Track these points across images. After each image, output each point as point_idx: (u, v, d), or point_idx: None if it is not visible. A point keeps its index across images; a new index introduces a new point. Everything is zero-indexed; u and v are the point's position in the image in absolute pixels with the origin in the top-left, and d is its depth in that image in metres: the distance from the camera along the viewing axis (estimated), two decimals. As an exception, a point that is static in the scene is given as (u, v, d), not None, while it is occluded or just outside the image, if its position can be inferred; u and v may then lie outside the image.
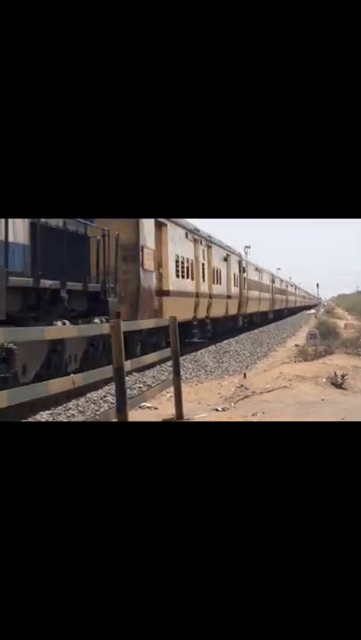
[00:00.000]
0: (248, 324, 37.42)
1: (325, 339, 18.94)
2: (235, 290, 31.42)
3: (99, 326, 7.00)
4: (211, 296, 25.33)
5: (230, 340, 27.02)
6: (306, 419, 8.04)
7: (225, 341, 25.83)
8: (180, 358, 9.66)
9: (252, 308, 37.59)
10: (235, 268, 31.78)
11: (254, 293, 38.85)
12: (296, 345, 21.37)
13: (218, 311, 27.15)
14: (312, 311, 55.31)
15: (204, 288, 24.29)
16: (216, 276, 27.15)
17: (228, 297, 29.56)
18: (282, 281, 63.48)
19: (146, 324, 10.71)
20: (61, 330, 7.31)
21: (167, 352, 8.94)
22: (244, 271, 34.98)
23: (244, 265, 35.80)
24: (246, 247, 50.62)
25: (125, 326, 6.69)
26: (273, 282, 51.87)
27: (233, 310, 30.89)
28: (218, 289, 27.00)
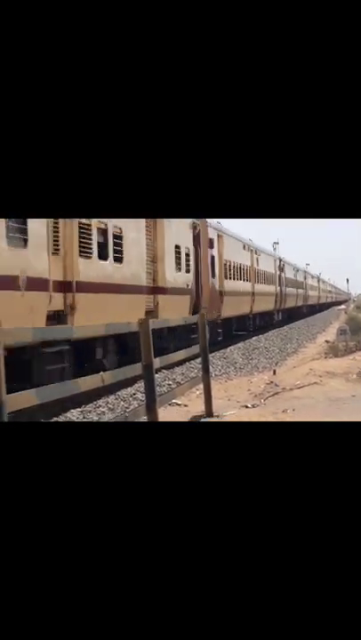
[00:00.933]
0: (287, 317, 42.66)
1: (356, 334, 18.76)
2: (278, 289, 39.28)
3: (127, 324, 7.00)
4: (261, 294, 32.47)
5: (259, 336, 26.94)
6: (337, 415, 7.99)
7: (254, 338, 25.75)
8: (209, 355, 9.64)
9: (290, 303, 43.73)
10: (278, 271, 39.71)
11: (292, 290, 44.95)
12: (326, 341, 21.22)
13: (265, 307, 34.21)
14: (342, 307, 54.95)
15: (258, 288, 30.99)
16: (265, 279, 33.98)
17: (273, 294, 37.55)
18: (313, 277, 64.42)
19: (175, 321, 10.70)
20: (89, 328, 7.33)
21: (196, 349, 8.93)
22: (282, 270, 42.23)
23: (284, 268, 42.76)
24: (275, 243, 50.40)
25: (154, 324, 6.70)
26: (305, 279, 56.35)
27: (275, 306, 38.31)
28: (266, 288, 34.46)
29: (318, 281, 69.92)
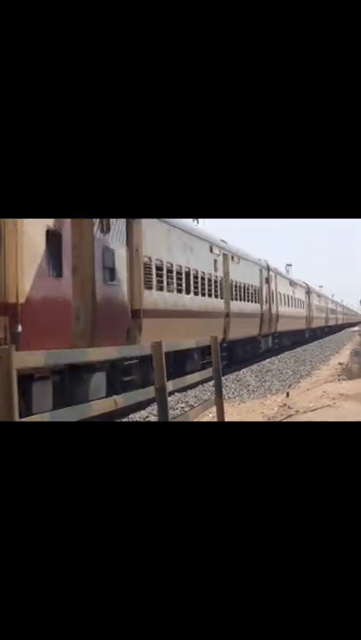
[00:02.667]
0: (313, 336, 47.08)
1: (370, 356, 18.67)
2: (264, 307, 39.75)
3: (139, 347, 7.02)
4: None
5: (273, 358, 26.84)
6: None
7: (267, 360, 25.67)
8: (223, 378, 9.62)
9: (317, 323, 49.63)
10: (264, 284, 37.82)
11: (320, 314, 51.70)
12: (340, 363, 21.11)
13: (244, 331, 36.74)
14: (356, 328, 54.89)
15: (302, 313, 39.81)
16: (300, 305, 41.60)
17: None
18: (333, 302, 65.88)
19: (186, 344, 10.70)
20: (102, 351, 7.35)
21: (209, 372, 8.91)
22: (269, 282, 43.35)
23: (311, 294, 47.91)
24: (288, 265, 50.45)
25: (167, 347, 6.70)
26: (326, 303, 61.20)
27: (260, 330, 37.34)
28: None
29: (327, 300, 63.81)
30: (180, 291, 16.89)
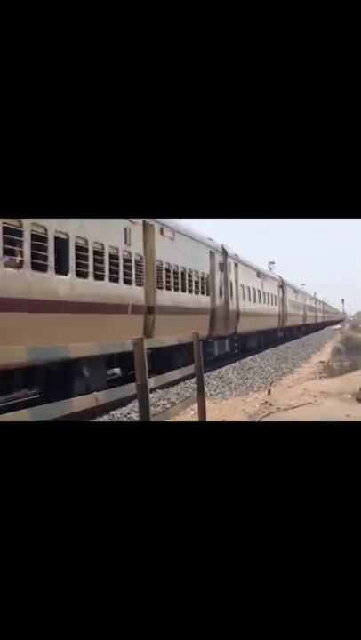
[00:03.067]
0: (289, 336, 44.01)
1: (351, 354, 18.78)
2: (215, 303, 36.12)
3: (121, 345, 7.00)
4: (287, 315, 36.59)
5: (255, 355, 26.90)
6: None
7: (249, 357, 25.72)
8: (204, 375, 9.62)
9: (292, 322, 46.04)
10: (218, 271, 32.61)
11: (296, 311, 47.92)
12: (321, 361, 21.22)
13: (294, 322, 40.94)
14: (338, 326, 55.16)
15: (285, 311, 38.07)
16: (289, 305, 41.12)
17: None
18: (312, 299, 65.02)
19: (169, 341, 10.69)
20: (83, 347, 7.32)
21: (191, 369, 8.91)
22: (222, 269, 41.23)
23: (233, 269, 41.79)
24: (271, 263, 50.52)
25: (148, 343, 6.69)
26: (304, 300, 57.41)
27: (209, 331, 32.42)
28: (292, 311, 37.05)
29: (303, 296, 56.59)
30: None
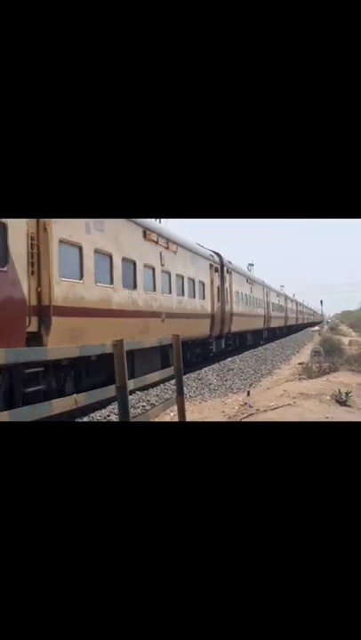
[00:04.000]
0: (271, 335, 45.66)
1: (330, 356, 18.90)
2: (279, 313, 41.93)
3: (102, 346, 6.99)
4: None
5: (234, 357, 26.97)
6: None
7: (229, 359, 25.78)
8: (184, 377, 9.63)
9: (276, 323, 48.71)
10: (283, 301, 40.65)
11: (278, 314, 49.75)
12: (300, 363, 21.32)
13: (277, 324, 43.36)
14: (316, 328, 55.58)
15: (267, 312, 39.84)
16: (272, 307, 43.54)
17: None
18: (292, 301, 65.95)
19: (149, 343, 10.69)
20: (64, 350, 7.30)
21: (170, 371, 8.92)
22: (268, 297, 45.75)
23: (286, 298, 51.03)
24: (250, 265, 50.71)
25: (128, 345, 6.68)
26: (286, 303, 59.29)
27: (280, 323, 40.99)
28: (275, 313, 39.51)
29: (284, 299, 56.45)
30: None
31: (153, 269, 16.28)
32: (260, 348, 34.54)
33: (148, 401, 13.68)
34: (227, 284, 27.31)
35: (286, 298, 59.75)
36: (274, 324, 47.11)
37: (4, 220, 8.91)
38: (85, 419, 11.21)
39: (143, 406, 12.84)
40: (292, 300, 67.72)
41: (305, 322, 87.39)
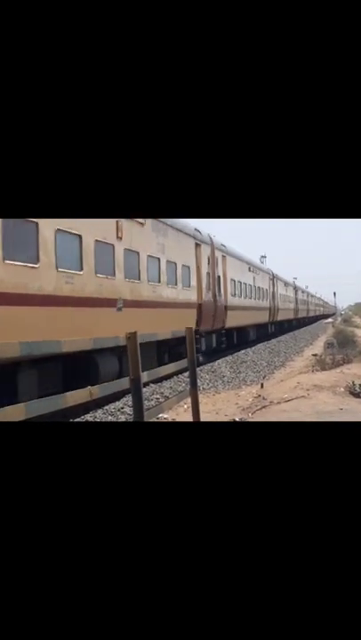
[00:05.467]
0: (280, 328, 44.16)
1: (343, 347, 18.83)
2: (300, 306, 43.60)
3: (115, 338, 7.01)
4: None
5: (247, 349, 26.95)
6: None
7: (242, 351, 25.76)
8: (197, 369, 9.64)
9: (284, 315, 45.96)
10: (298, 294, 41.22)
11: (286, 305, 47.84)
12: (313, 354, 21.27)
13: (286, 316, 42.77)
14: (329, 320, 55.39)
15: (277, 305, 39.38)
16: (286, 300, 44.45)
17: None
18: (303, 292, 65.44)
19: (163, 335, 10.70)
20: (78, 342, 7.32)
21: (184, 363, 8.92)
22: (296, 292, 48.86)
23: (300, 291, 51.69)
24: (262, 257, 50.57)
25: (141, 337, 6.69)
26: (296, 294, 57.92)
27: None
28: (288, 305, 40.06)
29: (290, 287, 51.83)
30: None
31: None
32: (273, 340, 34.43)
33: (162, 393, 13.70)
34: (219, 271, 23.53)
35: (297, 289, 58.10)
36: (282, 316, 43.53)
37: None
38: (100, 411, 11.25)
39: (157, 398, 12.87)
40: (303, 292, 66.82)
41: (317, 314, 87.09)
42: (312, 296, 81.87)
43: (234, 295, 26.03)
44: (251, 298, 30.70)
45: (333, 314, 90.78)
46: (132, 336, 6.44)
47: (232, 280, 25.88)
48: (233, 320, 25.26)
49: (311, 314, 75.78)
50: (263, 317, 35.13)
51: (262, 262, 44.51)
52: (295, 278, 63.19)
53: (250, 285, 30.55)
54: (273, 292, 39.33)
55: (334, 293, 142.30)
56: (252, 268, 31.54)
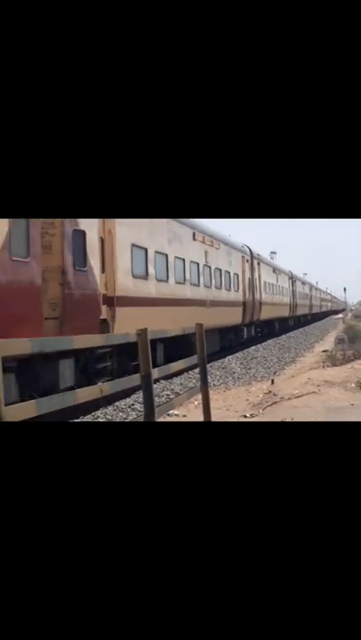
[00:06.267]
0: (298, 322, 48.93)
1: (354, 343, 18.78)
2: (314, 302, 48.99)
3: (126, 335, 7.02)
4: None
5: (258, 345, 26.93)
6: (335, 424, 7.96)
7: (252, 347, 25.75)
8: (208, 365, 9.64)
9: (301, 311, 51.14)
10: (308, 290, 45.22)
11: (303, 302, 52.72)
12: (324, 350, 21.22)
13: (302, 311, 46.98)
14: (340, 315, 55.34)
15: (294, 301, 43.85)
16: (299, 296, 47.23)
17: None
18: (316, 289, 67.13)
19: (174, 332, 10.70)
20: (89, 338, 7.34)
21: (194, 359, 8.92)
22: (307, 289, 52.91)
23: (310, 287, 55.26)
24: (272, 253, 50.52)
25: (152, 334, 6.70)
26: (310, 291, 62.75)
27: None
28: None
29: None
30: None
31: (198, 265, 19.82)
32: (283, 336, 34.43)
33: (173, 390, 13.71)
34: (256, 275, 29.97)
35: (311, 286, 60.79)
36: (300, 311, 49.31)
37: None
38: (110, 407, 11.27)
39: (167, 395, 12.88)
40: (316, 288, 68.31)
41: (329, 309, 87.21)
42: (323, 292, 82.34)
43: (266, 293, 32.29)
44: (277, 295, 37.18)
45: (343, 309, 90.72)
46: (142, 332, 6.44)
47: (264, 282, 32.27)
48: (265, 314, 31.42)
49: (323, 309, 76.68)
50: (285, 312, 41.15)
51: (272, 258, 44.63)
52: (305, 274, 63.24)
53: (276, 285, 36.87)
54: (293, 290, 45.45)
55: (344, 289, 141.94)
56: (276, 270, 37.92)
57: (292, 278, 46.11)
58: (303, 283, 54.87)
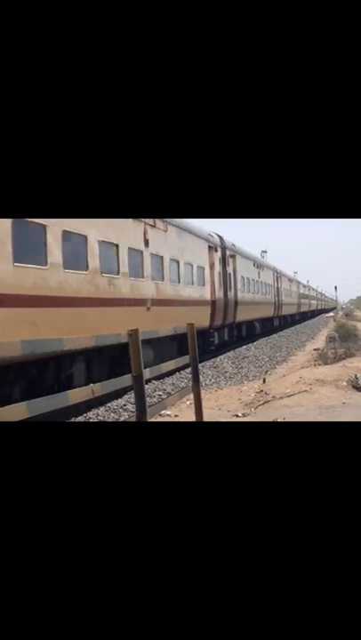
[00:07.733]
0: (284, 322, 45.54)
1: (345, 341, 18.82)
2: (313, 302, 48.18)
3: (117, 335, 7.00)
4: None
5: (249, 344, 26.95)
6: (327, 423, 7.97)
7: (244, 347, 25.76)
8: (199, 365, 9.63)
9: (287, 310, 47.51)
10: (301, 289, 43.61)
11: (290, 300, 48.99)
12: (315, 349, 21.26)
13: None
14: (331, 314, 55.57)
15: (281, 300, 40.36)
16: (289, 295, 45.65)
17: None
18: (305, 287, 66.17)
19: (164, 332, 10.68)
20: (80, 340, 7.32)
21: (186, 359, 8.91)
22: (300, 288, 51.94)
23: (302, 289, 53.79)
24: (263, 252, 50.59)
25: (143, 335, 6.68)
26: (298, 289, 59.42)
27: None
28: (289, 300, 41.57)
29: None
30: None
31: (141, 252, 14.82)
32: (274, 335, 34.45)
33: (165, 390, 13.70)
34: (230, 269, 25.08)
35: (299, 284, 59.37)
36: (286, 311, 45.24)
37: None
38: (102, 408, 11.25)
39: (159, 395, 12.87)
40: (304, 286, 67.66)
41: (319, 308, 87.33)
42: (313, 290, 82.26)
43: (243, 291, 27.43)
44: (259, 293, 32.24)
45: (334, 308, 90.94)
46: (133, 333, 6.42)
47: (242, 277, 27.39)
48: (243, 314, 26.83)
49: (313, 307, 76.24)
50: (269, 312, 36.74)
51: (263, 257, 44.53)
52: (296, 272, 63.28)
53: (258, 281, 31.93)
54: (278, 288, 40.39)
55: (335, 287, 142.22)
56: (257, 264, 32.70)
57: (278, 274, 41.52)
58: (290, 280, 50.56)
